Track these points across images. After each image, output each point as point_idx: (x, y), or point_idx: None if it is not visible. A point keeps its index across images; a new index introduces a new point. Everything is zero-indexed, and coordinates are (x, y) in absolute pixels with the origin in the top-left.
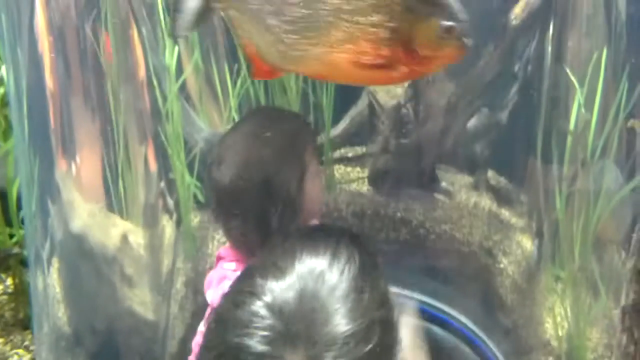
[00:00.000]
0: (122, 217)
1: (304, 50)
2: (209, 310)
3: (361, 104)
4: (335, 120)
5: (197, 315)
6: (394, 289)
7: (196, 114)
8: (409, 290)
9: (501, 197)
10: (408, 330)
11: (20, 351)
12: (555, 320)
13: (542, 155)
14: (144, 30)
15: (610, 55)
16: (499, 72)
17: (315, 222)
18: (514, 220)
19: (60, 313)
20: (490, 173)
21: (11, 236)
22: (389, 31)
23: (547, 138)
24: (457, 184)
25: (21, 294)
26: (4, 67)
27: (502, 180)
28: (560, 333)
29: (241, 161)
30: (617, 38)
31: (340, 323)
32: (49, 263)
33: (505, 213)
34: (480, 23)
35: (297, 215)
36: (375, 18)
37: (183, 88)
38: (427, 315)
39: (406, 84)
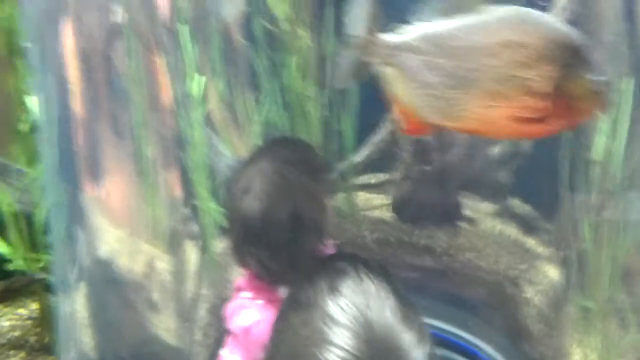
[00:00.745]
0: (147, 243)
1: (462, 105)
2: (228, 339)
3: (384, 131)
4: (357, 147)
5: (219, 342)
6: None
7: (220, 141)
8: (433, 319)
9: (527, 226)
10: None
11: None
12: (584, 351)
13: (569, 184)
14: (168, 59)
15: (638, 84)
16: None
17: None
18: (540, 249)
19: (87, 338)
20: (516, 201)
21: (36, 261)
22: (552, 85)
23: (572, 166)
24: (481, 212)
25: (46, 319)
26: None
27: (528, 209)
28: None
29: (271, 191)
30: None
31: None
32: (76, 288)
33: (531, 242)
34: None
35: (322, 242)
36: (539, 71)
37: (207, 116)
38: (450, 344)
39: None
